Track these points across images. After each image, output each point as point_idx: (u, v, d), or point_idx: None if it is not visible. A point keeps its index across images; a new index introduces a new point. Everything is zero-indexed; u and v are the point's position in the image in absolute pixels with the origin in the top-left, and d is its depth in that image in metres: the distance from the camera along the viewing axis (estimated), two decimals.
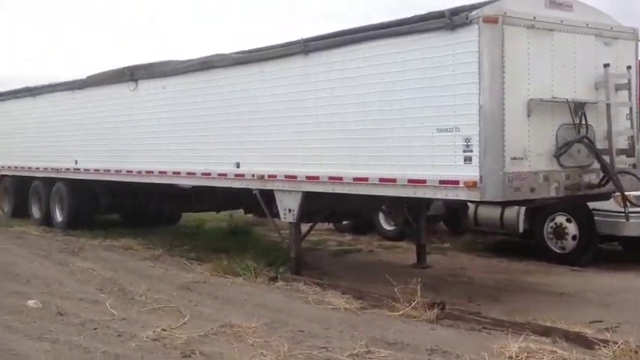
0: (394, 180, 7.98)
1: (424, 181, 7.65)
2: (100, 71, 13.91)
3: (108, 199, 15.21)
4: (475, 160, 7.08)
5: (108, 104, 13.52)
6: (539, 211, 11.09)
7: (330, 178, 8.82)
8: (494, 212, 11.75)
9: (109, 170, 13.55)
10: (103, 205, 15.48)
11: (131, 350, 5.92)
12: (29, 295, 7.91)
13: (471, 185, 7.10)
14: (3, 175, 18.20)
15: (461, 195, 7.31)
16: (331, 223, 14.95)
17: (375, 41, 8.05)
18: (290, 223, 9.62)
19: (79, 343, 6.10)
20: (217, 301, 7.89)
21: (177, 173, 11.73)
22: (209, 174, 10.98)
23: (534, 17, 7.18)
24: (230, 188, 10.89)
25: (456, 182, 7.29)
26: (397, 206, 10.50)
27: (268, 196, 10.09)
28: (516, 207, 11.33)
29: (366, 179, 8.33)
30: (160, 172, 12.12)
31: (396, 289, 7.63)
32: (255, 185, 10.12)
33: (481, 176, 7.04)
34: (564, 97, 7.44)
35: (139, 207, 15.02)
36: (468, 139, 7.12)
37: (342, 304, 7.76)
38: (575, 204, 10.17)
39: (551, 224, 11.11)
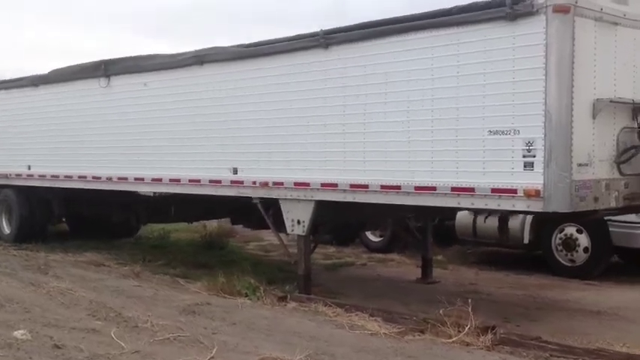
0: (433, 188, 7.16)
1: (472, 190, 6.86)
2: (64, 66, 12.62)
3: (63, 208, 13.87)
4: (538, 166, 6.34)
5: (73, 103, 12.18)
6: (546, 221, 10.53)
7: (353, 185, 7.93)
8: (495, 222, 11.10)
9: (70, 177, 12.22)
10: (57, 215, 14.12)
11: None
12: (12, 324, 6.64)
13: (533, 194, 6.36)
14: None
15: (518, 205, 6.56)
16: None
17: (416, 33, 7.22)
18: (299, 236, 8.66)
19: None
20: (237, 328, 6.84)
21: (157, 180, 10.56)
22: (198, 181, 9.89)
23: (601, 8, 6.53)
24: (219, 196, 9.86)
25: (513, 191, 6.53)
26: (422, 217, 9.65)
27: (270, 205, 9.12)
28: (520, 217, 10.75)
29: (397, 187, 7.48)
30: (137, 179, 10.93)
31: (441, 311, 6.78)
32: (256, 194, 9.11)
33: (545, 184, 6.31)
34: (627, 97, 6.81)
35: (98, 217, 13.68)
36: (529, 143, 6.38)
37: (378, 329, 6.86)
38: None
39: (560, 235, 10.57)
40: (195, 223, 14.06)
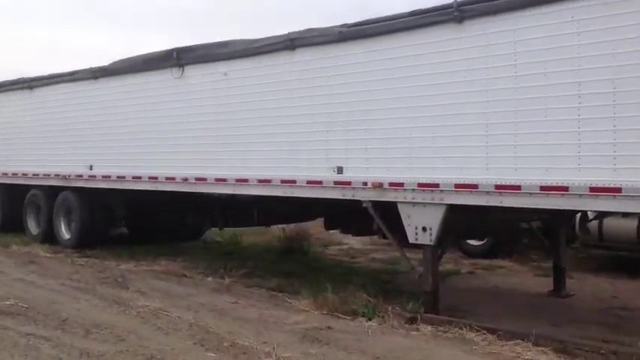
0: (617, 190, 5.81)
1: None
2: (128, 56, 11.50)
3: (126, 211, 12.77)
4: None
5: (140, 96, 11.06)
6: None
7: (499, 186, 6.61)
8: (628, 225, 9.71)
9: (139, 177, 11.09)
10: (119, 218, 13.03)
11: None
12: (107, 358, 5.49)
13: None
14: None
15: None
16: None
17: None
18: (425, 246, 7.37)
19: None
20: None
21: (242, 181, 9.36)
22: (293, 181, 8.66)
23: None
24: (315, 199, 8.63)
25: None
26: (556, 220, 8.31)
27: (385, 209, 7.85)
28: None
29: (564, 188, 6.14)
30: (218, 180, 9.74)
31: None
32: (367, 196, 7.84)
33: None
34: None
35: (166, 221, 12.54)
36: None
37: None
38: None
39: None
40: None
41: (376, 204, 7.84)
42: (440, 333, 6.60)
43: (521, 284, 9.53)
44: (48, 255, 11.61)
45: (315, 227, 12.97)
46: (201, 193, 10.18)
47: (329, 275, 9.70)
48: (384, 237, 9.30)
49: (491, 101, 6.66)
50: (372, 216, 7.88)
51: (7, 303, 7.47)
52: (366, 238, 13.30)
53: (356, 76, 7.91)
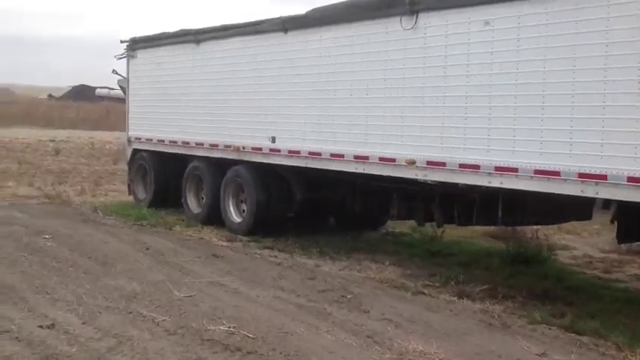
0: None
1: None
2: (330, 3, 9.20)
3: (304, 193, 10.54)
4: None
5: (348, 53, 8.77)
6: None
7: None
8: None
9: (340, 156, 8.86)
10: (297, 202, 10.76)
11: None
12: None
13: None
14: (137, 150, 13.71)
15: None
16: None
17: None
18: None
19: None
20: None
21: (506, 170, 6.90)
22: (602, 177, 6.09)
23: None
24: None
25: None
26: None
27: None
28: None
29: None
30: (464, 166, 7.35)
31: None
32: None
33: None
34: None
35: (364, 210, 10.16)
36: None
37: None
38: None
39: None
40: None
41: None
42: None
43: None
44: (223, 244, 9.61)
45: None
46: (435, 181, 7.81)
47: (607, 302, 7.13)
48: None
49: None
50: None
51: (223, 328, 5.35)
52: (599, 242, 10.65)
53: None
